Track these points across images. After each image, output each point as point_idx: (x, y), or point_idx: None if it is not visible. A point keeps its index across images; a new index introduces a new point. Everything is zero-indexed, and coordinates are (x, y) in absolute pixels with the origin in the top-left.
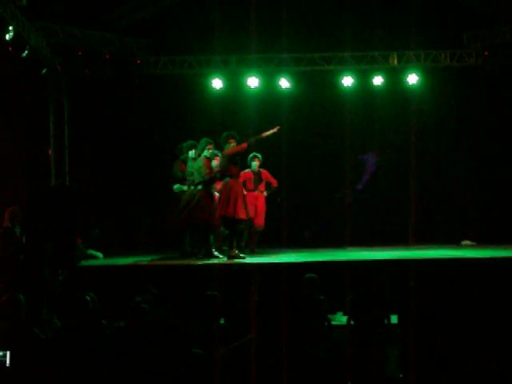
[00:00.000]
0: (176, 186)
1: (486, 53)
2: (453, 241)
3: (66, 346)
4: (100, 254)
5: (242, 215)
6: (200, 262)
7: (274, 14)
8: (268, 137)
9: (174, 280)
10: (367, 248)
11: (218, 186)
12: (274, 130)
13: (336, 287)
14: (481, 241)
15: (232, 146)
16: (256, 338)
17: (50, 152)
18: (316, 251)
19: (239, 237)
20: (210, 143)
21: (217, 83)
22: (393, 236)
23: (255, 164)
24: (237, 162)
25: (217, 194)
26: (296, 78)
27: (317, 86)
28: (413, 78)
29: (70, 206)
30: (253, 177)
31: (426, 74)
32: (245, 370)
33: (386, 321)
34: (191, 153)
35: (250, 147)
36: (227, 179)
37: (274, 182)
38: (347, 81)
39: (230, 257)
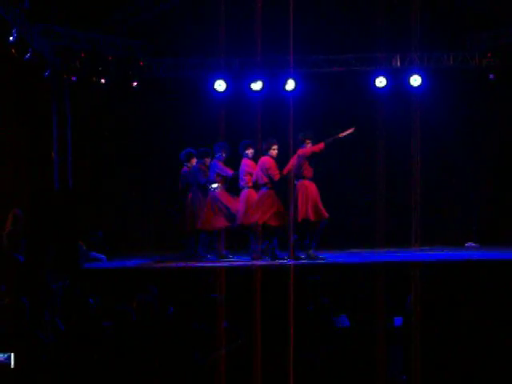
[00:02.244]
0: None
1: (489, 54)
2: (457, 243)
3: (69, 348)
4: (103, 257)
5: (317, 216)
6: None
7: (278, 16)
8: (345, 137)
9: (177, 282)
10: (370, 250)
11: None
12: (350, 130)
13: (339, 289)
14: (485, 243)
15: (308, 146)
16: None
17: (52, 155)
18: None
19: (317, 238)
20: (275, 143)
21: (220, 86)
22: (396, 237)
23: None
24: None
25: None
26: (299, 80)
27: (321, 87)
28: (416, 80)
29: (72, 209)
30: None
31: (429, 75)
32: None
33: (389, 323)
34: (249, 152)
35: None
36: (300, 180)
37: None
38: (351, 83)
39: (310, 258)
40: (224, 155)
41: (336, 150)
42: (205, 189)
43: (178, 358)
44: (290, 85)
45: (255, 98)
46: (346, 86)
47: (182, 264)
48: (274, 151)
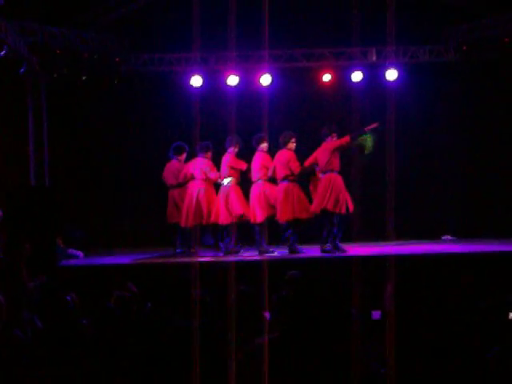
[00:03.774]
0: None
1: (465, 48)
2: (433, 235)
3: (47, 346)
4: (80, 254)
5: (343, 209)
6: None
7: (253, 11)
8: (370, 131)
9: (157, 279)
10: (347, 244)
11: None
12: (375, 125)
13: (317, 284)
14: (462, 235)
15: (334, 139)
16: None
17: (29, 151)
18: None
19: (336, 231)
20: (294, 136)
21: (196, 81)
22: (372, 231)
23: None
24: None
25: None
26: (275, 74)
27: (296, 82)
28: (392, 74)
29: (49, 206)
30: None
31: (405, 69)
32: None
33: (368, 316)
34: (263, 146)
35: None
36: (327, 173)
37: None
38: (326, 77)
39: (324, 251)
40: (237, 149)
41: (316, 146)
42: (216, 184)
43: (156, 354)
44: (266, 79)
45: (231, 93)
46: (322, 81)
47: (159, 260)
48: (292, 144)
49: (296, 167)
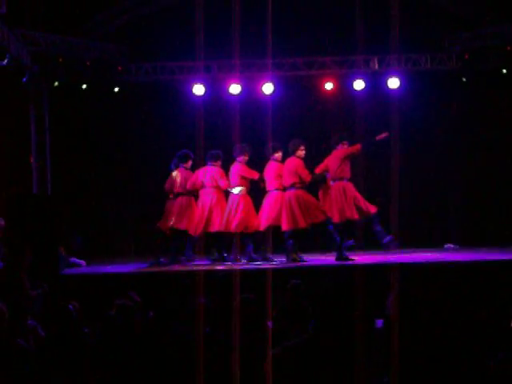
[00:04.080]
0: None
1: (467, 56)
2: (436, 244)
3: (50, 355)
4: (82, 262)
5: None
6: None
7: (255, 19)
8: (381, 141)
9: (159, 287)
10: (349, 252)
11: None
12: (385, 135)
13: (320, 293)
14: (464, 244)
15: (345, 147)
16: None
17: (31, 160)
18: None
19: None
20: (303, 143)
21: (199, 89)
22: (374, 239)
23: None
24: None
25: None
26: (278, 82)
27: (299, 90)
28: (394, 82)
29: (51, 214)
30: None
31: (407, 77)
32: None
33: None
34: (278, 155)
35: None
36: (337, 181)
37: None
38: (329, 85)
39: (339, 259)
40: (247, 157)
41: (319, 155)
42: (226, 192)
43: (160, 361)
44: (269, 88)
45: (234, 101)
46: (324, 89)
47: (162, 269)
48: (301, 152)
49: (306, 175)
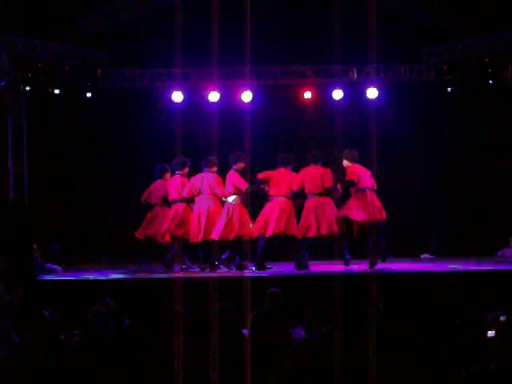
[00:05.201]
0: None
1: (445, 67)
2: (413, 254)
3: (25, 361)
4: (58, 268)
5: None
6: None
7: (235, 28)
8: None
9: (135, 294)
10: (327, 262)
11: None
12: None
13: (297, 301)
14: (440, 254)
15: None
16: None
17: (8, 165)
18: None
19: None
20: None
21: (177, 96)
22: (351, 249)
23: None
24: None
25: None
26: (256, 91)
27: (277, 99)
28: (372, 92)
29: (28, 220)
30: None
31: (385, 88)
32: None
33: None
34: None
35: None
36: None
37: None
38: (307, 94)
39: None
40: (243, 164)
41: (296, 164)
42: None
43: (132, 369)
44: (247, 96)
45: (212, 109)
46: (303, 98)
47: (138, 276)
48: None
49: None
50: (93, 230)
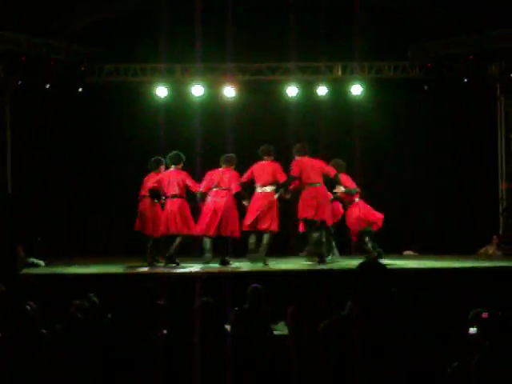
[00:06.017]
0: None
1: (429, 65)
2: (395, 251)
3: (6, 355)
4: (41, 262)
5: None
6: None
7: (220, 23)
8: None
9: (119, 289)
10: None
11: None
12: None
13: (279, 297)
14: (423, 252)
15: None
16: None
17: None
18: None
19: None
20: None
21: (161, 91)
22: (337, 246)
23: None
24: None
25: None
26: (241, 87)
27: (262, 95)
28: (357, 89)
29: (11, 214)
30: None
31: (369, 85)
32: None
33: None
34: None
35: None
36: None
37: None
38: (292, 91)
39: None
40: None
41: (280, 160)
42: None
43: (115, 363)
44: (231, 92)
45: (196, 104)
46: (287, 94)
47: (123, 270)
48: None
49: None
50: (77, 222)
